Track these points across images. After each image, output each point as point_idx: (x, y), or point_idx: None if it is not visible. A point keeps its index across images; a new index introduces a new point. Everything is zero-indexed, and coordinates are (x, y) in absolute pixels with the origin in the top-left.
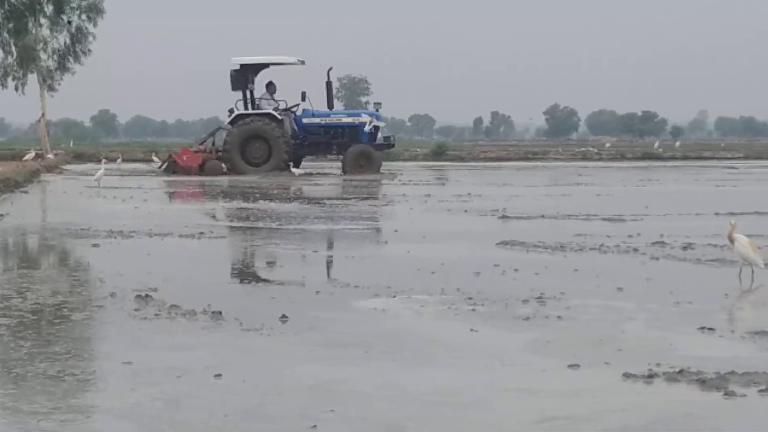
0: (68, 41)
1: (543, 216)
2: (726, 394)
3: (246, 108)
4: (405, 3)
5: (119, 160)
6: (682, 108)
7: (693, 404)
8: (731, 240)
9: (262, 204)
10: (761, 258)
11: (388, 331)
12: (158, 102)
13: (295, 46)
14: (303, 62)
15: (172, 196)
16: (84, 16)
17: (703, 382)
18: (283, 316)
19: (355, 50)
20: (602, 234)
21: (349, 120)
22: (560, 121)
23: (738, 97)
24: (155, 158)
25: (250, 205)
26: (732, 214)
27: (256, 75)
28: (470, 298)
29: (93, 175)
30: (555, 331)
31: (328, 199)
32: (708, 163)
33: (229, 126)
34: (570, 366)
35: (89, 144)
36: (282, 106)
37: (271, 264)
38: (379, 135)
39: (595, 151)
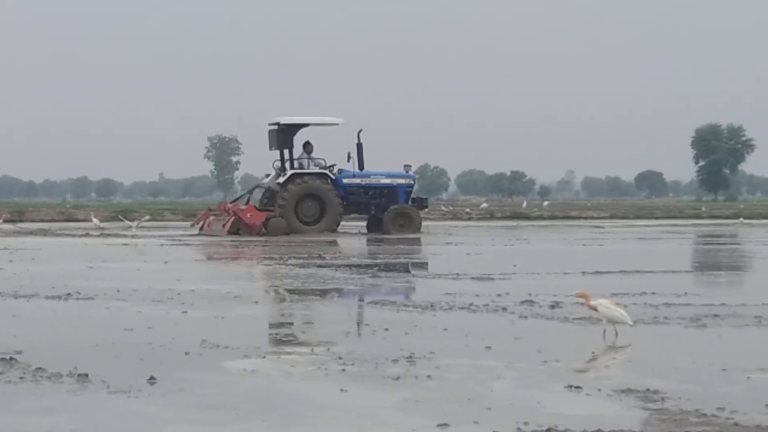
0: None
1: (413, 275)
2: None
3: (285, 167)
4: (274, 64)
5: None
6: (549, 168)
7: None
8: (593, 308)
9: (133, 264)
10: (627, 316)
11: (258, 392)
12: (25, 162)
13: (162, 109)
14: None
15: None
16: None
17: None
18: (152, 377)
19: (226, 109)
20: (471, 293)
21: (388, 181)
22: (430, 181)
23: (604, 158)
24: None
25: (118, 266)
26: (598, 272)
27: (295, 134)
28: (340, 358)
29: None
30: (424, 390)
31: (202, 261)
32: (575, 223)
33: (275, 185)
34: (439, 425)
35: None
36: (321, 164)
37: (139, 325)
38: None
39: (467, 210)
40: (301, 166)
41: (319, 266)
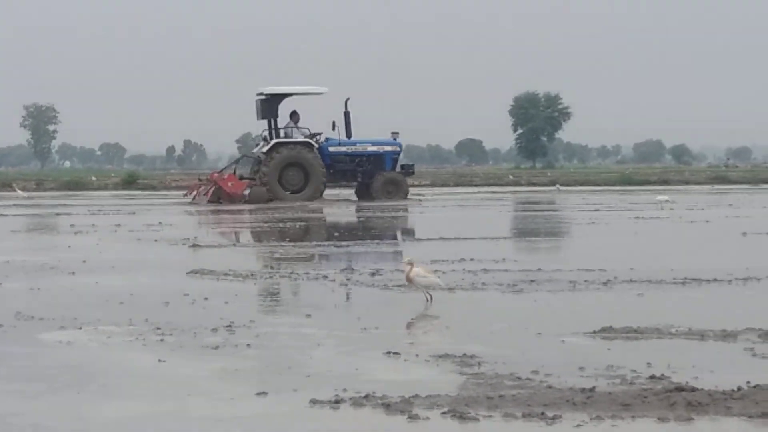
0: None
1: (234, 244)
2: (410, 417)
3: (272, 136)
4: (92, 32)
5: None
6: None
7: (378, 428)
8: (410, 281)
9: None
10: (441, 280)
11: (74, 364)
12: None
13: None
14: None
15: None
16: None
17: (388, 406)
18: None
19: (41, 77)
20: (293, 261)
21: (374, 149)
22: (252, 149)
23: (425, 127)
24: None
25: None
26: (418, 240)
27: (279, 104)
28: (159, 328)
29: None
30: (244, 359)
31: (18, 231)
32: None
33: (262, 154)
34: (258, 393)
35: None
36: (306, 133)
37: None
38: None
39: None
40: (286, 135)
41: (138, 239)
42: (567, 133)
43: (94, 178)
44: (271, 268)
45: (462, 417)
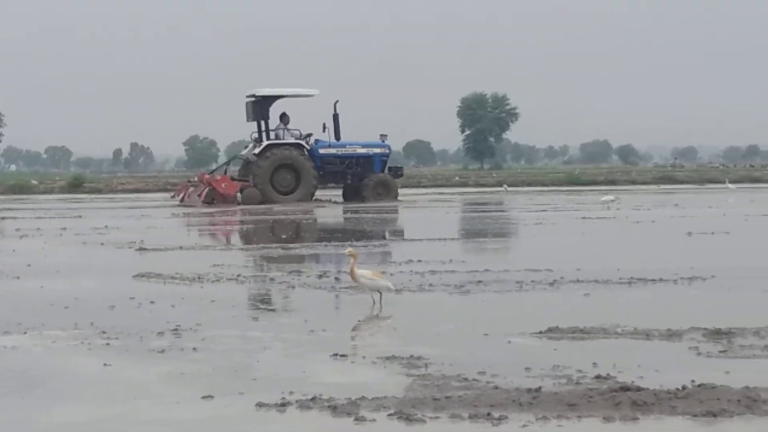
0: None
1: (181, 247)
2: (356, 419)
3: (262, 138)
4: (37, 33)
5: None
6: None
7: (324, 430)
8: (354, 277)
9: None
10: (390, 282)
11: (20, 369)
12: None
13: None
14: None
15: None
16: None
17: (334, 409)
18: None
19: None
20: (240, 264)
21: (364, 151)
22: (200, 152)
23: (373, 129)
24: None
25: None
26: (366, 241)
27: (270, 106)
28: (104, 332)
29: None
30: (190, 363)
31: None
32: None
33: (252, 155)
34: (204, 397)
35: None
36: (297, 135)
37: None
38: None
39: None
40: (277, 137)
41: (84, 243)
42: (514, 134)
43: (35, 182)
44: (219, 271)
45: (408, 418)
